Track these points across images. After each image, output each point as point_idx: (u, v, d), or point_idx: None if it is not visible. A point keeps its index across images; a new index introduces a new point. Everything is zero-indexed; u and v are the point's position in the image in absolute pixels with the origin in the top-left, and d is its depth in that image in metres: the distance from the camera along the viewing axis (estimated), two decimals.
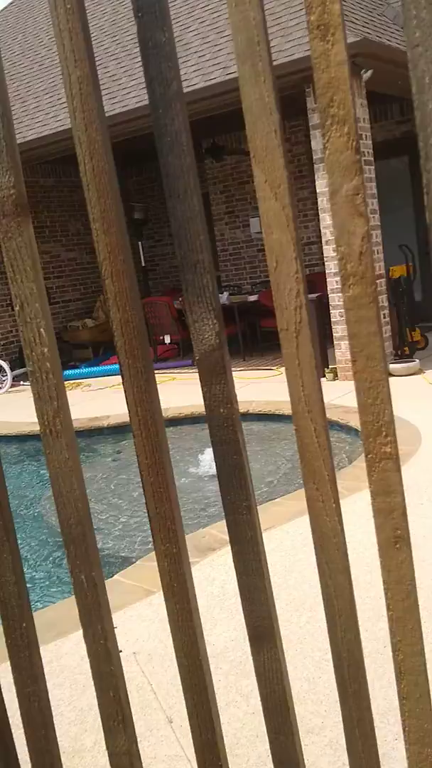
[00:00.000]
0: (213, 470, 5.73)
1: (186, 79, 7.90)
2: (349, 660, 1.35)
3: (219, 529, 4.11)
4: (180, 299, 10.00)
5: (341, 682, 1.36)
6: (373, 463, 1.25)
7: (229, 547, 3.74)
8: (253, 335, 10.57)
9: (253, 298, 9.73)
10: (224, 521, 4.50)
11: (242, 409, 7.22)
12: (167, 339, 10.48)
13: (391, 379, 7.52)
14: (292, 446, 6.24)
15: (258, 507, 4.63)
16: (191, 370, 9.64)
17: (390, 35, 8.09)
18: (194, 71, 8.02)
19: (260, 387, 8.04)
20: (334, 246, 7.61)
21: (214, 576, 3.48)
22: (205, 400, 1.25)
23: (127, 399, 1.29)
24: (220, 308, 1.22)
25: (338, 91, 1.11)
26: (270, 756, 1.50)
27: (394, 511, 1.27)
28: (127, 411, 1.29)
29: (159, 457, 1.30)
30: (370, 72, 7.13)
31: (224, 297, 9.79)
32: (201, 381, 1.24)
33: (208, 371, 1.23)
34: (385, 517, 1.27)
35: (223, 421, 1.24)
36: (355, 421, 6.22)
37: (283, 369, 8.63)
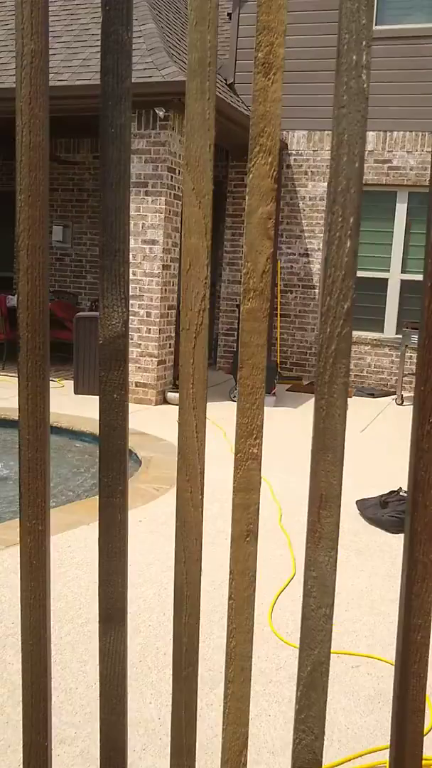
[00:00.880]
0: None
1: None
2: (188, 645, 1.44)
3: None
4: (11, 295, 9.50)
5: (177, 664, 1.45)
6: (240, 461, 1.38)
7: (8, 550, 3.66)
8: None
9: None
10: (3, 524, 4.35)
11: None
12: None
13: (168, 407, 7.79)
14: (71, 459, 6.22)
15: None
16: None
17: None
18: None
19: None
20: (134, 270, 7.76)
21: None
22: (100, 384, 1.30)
23: (19, 372, 1.30)
24: (129, 298, 1.28)
25: (269, 124, 1.24)
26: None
27: (251, 507, 1.40)
28: None
29: (41, 433, 1.32)
30: None
31: (14, 300, 9.54)
32: (101, 365, 1.29)
33: (110, 356, 1.28)
34: (242, 512, 1.40)
35: (115, 405, 1.30)
36: (132, 442, 6.36)
37: (66, 382, 8.58)
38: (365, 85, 1.18)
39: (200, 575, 1.42)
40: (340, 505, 1.34)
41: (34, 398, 1.30)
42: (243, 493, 1.39)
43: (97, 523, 4.04)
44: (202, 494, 1.39)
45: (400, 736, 1.38)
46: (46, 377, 1.30)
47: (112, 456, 1.32)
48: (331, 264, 1.24)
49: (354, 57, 1.17)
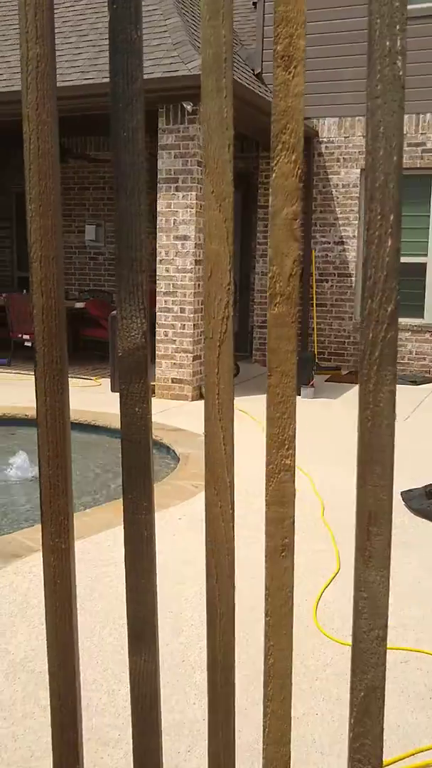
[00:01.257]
0: (27, 474, 5.57)
1: None
2: (223, 663, 1.39)
3: (27, 536, 3.99)
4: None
5: (212, 684, 1.40)
6: (272, 473, 1.32)
7: (35, 555, 3.65)
8: (74, 342, 10.42)
9: (80, 305, 9.61)
10: (33, 528, 4.35)
11: None
12: (27, 337, 9.60)
13: (202, 403, 7.75)
14: (107, 456, 6.22)
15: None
16: (5, 370, 9.31)
17: (241, 74, 8.45)
18: None
19: (78, 396, 7.93)
20: (167, 267, 7.74)
21: (17, 584, 3.37)
22: (121, 398, 1.25)
23: (37, 387, 1.26)
24: (148, 308, 1.23)
25: (292, 120, 1.17)
26: None
27: (285, 521, 1.34)
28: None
29: (62, 449, 1.28)
30: None
31: None
32: (120, 378, 1.24)
33: (130, 369, 1.23)
34: (276, 526, 1.34)
35: (137, 419, 1.25)
36: (168, 439, 6.33)
37: (102, 380, 8.59)
38: (401, 73, 1.11)
39: (234, 591, 1.37)
40: (390, 521, 1.26)
41: (53, 413, 1.25)
42: (276, 507, 1.33)
43: None
44: (232, 508, 1.33)
45: None
46: (65, 391, 1.26)
47: (137, 472, 1.27)
48: (372, 264, 1.17)
49: (387, 43, 1.09)
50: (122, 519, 1.30)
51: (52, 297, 1.22)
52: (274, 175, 1.19)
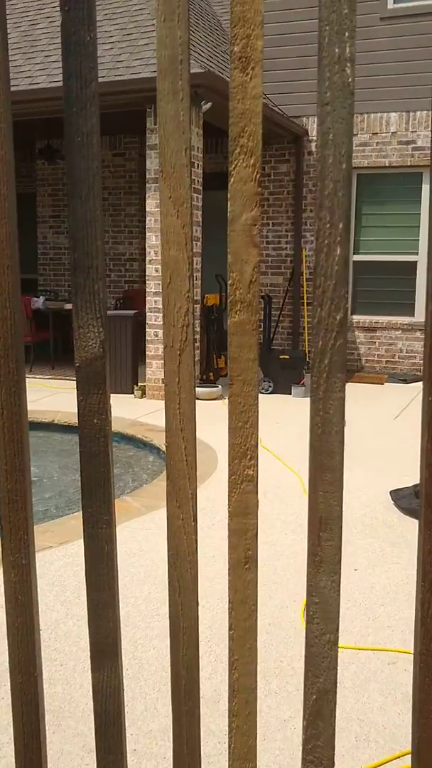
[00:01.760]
0: None
1: (29, 77, 7.66)
2: (187, 677, 1.36)
3: None
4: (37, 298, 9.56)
5: (177, 699, 1.37)
6: (235, 484, 1.29)
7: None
8: (64, 343, 10.38)
9: (69, 306, 9.58)
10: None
11: (48, 418, 7.05)
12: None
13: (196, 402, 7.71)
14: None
15: (55, 520, 4.50)
16: None
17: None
18: (39, 69, 7.80)
19: (68, 397, 7.90)
20: (157, 267, 7.70)
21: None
22: (79, 409, 1.22)
23: None
24: (106, 317, 1.20)
25: (250, 123, 1.14)
26: None
27: (248, 532, 1.31)
28: None
29: (21, 462, 1.25)
30: (209, 104, 7.35)
31: (40, 301, 9.53)
32: (78, 389, 1.21)
33: (87, 380, 1.20)
34: (239, 538, 1.31)
35: (95, 432, 1.22)
36: (158, 440, 6.30)
37: None
38: (350, 80, 1.08)
39: (197, 605, 1.34)
40: (341, 527, 1.24)
41: (11, 426, 1.22)
42: (239, 518, 1.30)
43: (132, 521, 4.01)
44: (195, 520, 1.30)
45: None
46: (23, 403, 1.23)
47: (96, 484, 1.24)
48: (321, 273, 1.14)
49: (337, 50, 1.07)
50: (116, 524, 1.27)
51: (8, 307, 1.18)
52: (232, 179, 1.16)
